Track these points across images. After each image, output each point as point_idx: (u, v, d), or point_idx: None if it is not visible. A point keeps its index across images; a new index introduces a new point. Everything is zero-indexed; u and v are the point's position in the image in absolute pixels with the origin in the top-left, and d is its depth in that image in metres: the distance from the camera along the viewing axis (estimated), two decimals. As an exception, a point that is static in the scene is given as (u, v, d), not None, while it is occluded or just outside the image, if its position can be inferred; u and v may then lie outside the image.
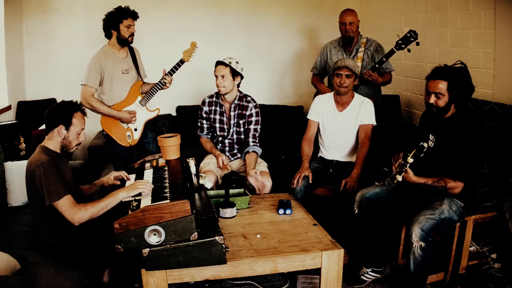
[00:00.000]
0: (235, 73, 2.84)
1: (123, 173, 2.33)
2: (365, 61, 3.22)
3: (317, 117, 2.98)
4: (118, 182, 2.30)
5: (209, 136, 3.05)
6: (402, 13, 3.71)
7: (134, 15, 2.85)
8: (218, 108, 2.98)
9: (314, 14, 4.33)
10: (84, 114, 2.20)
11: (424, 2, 3.48)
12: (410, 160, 2.11)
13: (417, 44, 2.84)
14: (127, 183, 2.27)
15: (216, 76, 2.84)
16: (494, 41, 2.84)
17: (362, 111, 2.86)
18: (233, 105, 2.94)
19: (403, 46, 2.87)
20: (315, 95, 3.34)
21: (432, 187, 2.21)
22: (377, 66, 3.06)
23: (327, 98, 2.97)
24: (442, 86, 2.18)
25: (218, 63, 2.85)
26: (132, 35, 2.88)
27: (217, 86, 2.85)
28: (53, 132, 2.10)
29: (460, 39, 3.13)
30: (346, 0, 4.35)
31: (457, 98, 2.22)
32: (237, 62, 2.84)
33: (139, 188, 1.98)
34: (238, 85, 2.92)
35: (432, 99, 2.23)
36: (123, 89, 2.93)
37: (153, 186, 2.02)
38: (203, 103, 3.01)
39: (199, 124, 3.04)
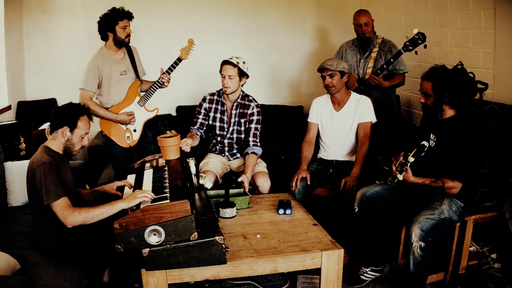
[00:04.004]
0: (242, 74, 2.80)
1: (126, 182, 2.32)
2: (377, 62, 3.15)
3: (316, 118, 2.98)
4: (120, 194, 2.25)
5: (198, 133, 2.92)
6: (402, 13, 3.71)
7: (129, 16, 2.82)
8: (219, 107, 2.95)
9: (315, 14, 4.33)
10: (90, 118, 2.20)
11: (424, 2, 3.47)
12: (411, 159, 2.10)
13: (425, 47, 2.80)
14: (126, 191, 2.26)
15: (223, 76, 2.79)
16: (494, 41, 2.84)
17: (360, 109, 2.84)
18: (235, 104, 2.92)
19: (411, 48, 2.83)
20: None
21: (430, 187, 2.21)
22: (385, 66, 3.02)
23: (324, 99, 2.97)
24: (428, 86, 2.24)
25: (225, 62, 2.77)
26: (128, 35, 2.84)
27: (223, 85, 2.80)
28: (57, 132, 2.10)
29: (460, 39, 3.13)
30: (347, 0, 4.36)
31: (451, 100, 2.22)
32: (244, 62, 2.79)
33: (138, 198, 1.90)
34: (242, 85, 2.90)
35: (422, 98, 2.31)
36: (121, 91, 2.92)
37: (154, 196, 1.92)
38: (204, 99, 2.97)
39: (194, 119, 2.98)
